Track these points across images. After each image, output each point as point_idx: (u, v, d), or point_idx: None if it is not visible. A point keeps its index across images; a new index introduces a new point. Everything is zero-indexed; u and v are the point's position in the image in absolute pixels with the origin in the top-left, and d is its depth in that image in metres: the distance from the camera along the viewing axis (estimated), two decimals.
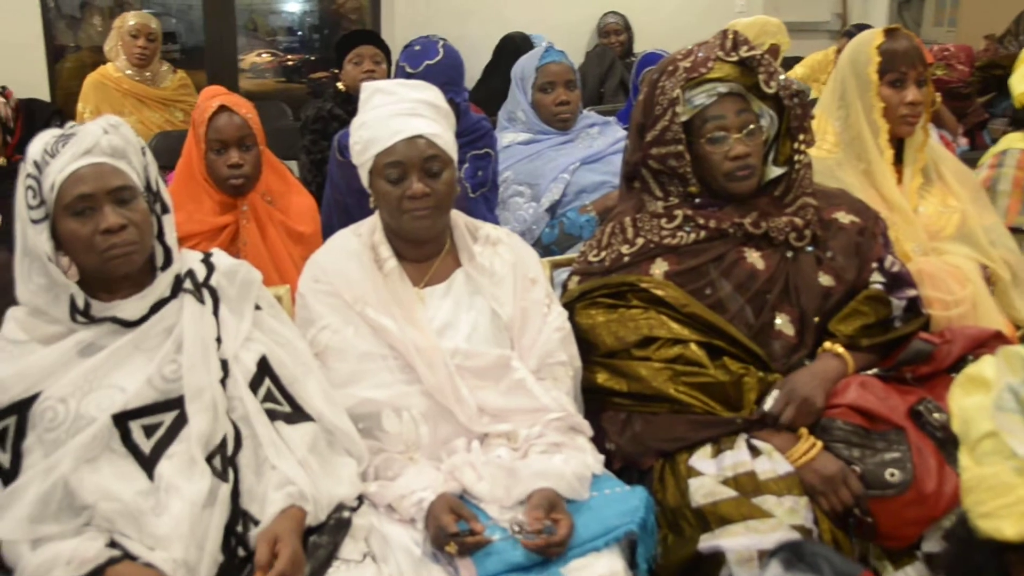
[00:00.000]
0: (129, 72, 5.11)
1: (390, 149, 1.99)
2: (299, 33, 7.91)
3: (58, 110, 5.59)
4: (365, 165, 2.05)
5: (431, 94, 2.08)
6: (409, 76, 2.90)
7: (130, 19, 5.12)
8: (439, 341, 2.03)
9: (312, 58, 7.31)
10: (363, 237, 2.11)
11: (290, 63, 7.30)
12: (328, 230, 2.58)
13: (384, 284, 2.05)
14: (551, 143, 3.37)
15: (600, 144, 3.41)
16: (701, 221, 2.21)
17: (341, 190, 2.96)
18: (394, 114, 2.02)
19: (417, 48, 2.94)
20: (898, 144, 2.62)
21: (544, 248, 3.22)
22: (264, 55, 6.68)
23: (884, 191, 2.57)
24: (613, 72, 6.23)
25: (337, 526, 1.77)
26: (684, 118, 2.21)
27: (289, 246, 2.71)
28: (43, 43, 5.67)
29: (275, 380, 1.86)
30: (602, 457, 2.06)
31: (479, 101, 5.55)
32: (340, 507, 1.81)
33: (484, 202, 3.09)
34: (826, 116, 2.68)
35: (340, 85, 3.97)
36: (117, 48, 5.15)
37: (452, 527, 1.80)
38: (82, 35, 6.37)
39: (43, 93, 5.70)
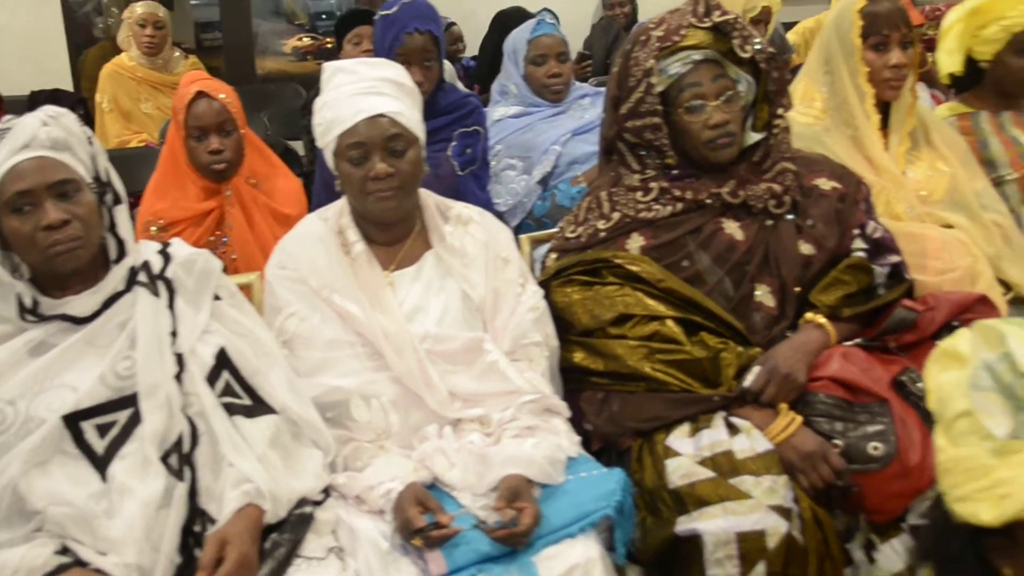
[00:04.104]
0: (142, 61, 5.00)
1: (352, 129, 1.84)
2: (337, 15, 7.87)
3: (81, 99, 5.50)
4: (329, 147, 1.90)
5: (394, 72, 1.92)
6: (385, 18, 2.76)
7: (138, 9, 5.01)
8: (409, 326, 1.88)
9: None
10: (330, 221, 1.96)
11: (328, 46, 7.17)
12: None
13: (351, 269, 1.90)
14: (542, 115, 3.20)
15: (592, 115, 3.22)
16: (677, 193, 2.04)
17: (328, 171, 2.81)
18: (355, 93, 1.86)
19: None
20: (885, 108, 2.43)
21: (537, 220, 3.06)
22: (305, 39, 6.55)
23: (872, 156, 2.39)
24: (618, 43, 5.98)
25: (298, 523, 1.63)
26: (659, 89, 2.04)
27: (275, 229, 2.56)
28: (64, 34, 5.56)
29: (235, 372, 1.71)
30: (578, 439, 1.90)
31: (476, 76, 5.39)
32: (302, 502, 1.66)
33: (474, 180, 2.92)
34: (812, 82, 2.49)
35: None
36: (129, 38, 5.04)
37: (417, 521, 1.65)
38: (103, 26, 6.26)
39: (66, 83, 5.61)
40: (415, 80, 2.72)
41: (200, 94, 2.48)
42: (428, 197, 2.00)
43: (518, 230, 2.97)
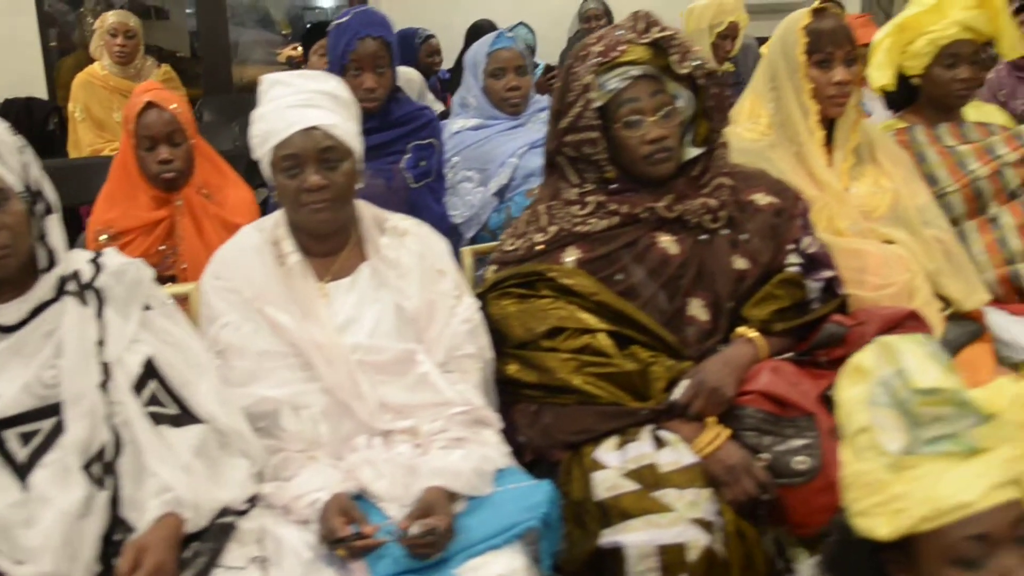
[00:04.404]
0: (113, 70, 5.02)
1: (286, 141, 1.85)
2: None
3: (56, 107, 5.52)
4: (265, 158, 1.91)
5: (330, 84, 1.93)
6: (338, 27, 2.80)
7: (109, 18, 5.05)
8: (341, 336, 1.89)
9: None
10: (266, 232, 1.96)
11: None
12: None
13: (284, 280, 1.91)
14: (500, 128, 3.20)
15: None
16: (613, 207, 2.06)
17: None
18: (290, 105, 1.87)
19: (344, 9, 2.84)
20: (831, 125, 2.45)
21: (492, 233, 3.06)
22: (300, 48, 6.55)
23: (815, 172, 2.40)
24: None
25: (219, 532, 1.63)
26: (598, 103, 2.05)
27: (226, 238, 2.47)
28: (39, 43, 5.58)
29: (162, 382, 1.71)
30: (508, 450, 1.91)
31: (451, 88, 5.41)
32: (225, 512, 1.67)
33: (429, 192, 2.93)
34: (759, 99, 2.51)
35: None
36: (101, 47, 5.06)
37: (340, 531, 1.66)
38: (79, 36, 6.28)
39: (41, 91, 5.62)
40: (368, 86, 2.76)
41: (150, 104, 2.49)
42: (365, 209, 2.01)
43: (473, 242, 2.99)
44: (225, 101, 5.61)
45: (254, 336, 1.87)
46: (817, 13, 2.40)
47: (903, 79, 2.70)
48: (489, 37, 3.33)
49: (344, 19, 2.77)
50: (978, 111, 2.77)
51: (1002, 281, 2.48)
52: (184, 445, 1.67)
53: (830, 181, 2.39)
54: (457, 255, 2.38)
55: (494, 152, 3.12)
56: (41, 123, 5.40)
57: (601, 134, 2.05)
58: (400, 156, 2.85)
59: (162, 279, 2.54)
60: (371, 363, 1.88)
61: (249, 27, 8.67)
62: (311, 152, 1.84)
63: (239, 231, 2.01)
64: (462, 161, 3.14)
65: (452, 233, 3.04)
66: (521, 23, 5.48)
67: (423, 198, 2.88)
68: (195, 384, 1.75)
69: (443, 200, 3.02)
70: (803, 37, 2.38)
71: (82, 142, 4.90)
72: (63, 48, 6.58)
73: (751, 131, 2.48)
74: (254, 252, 1.93)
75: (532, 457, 1.98)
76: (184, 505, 1.60)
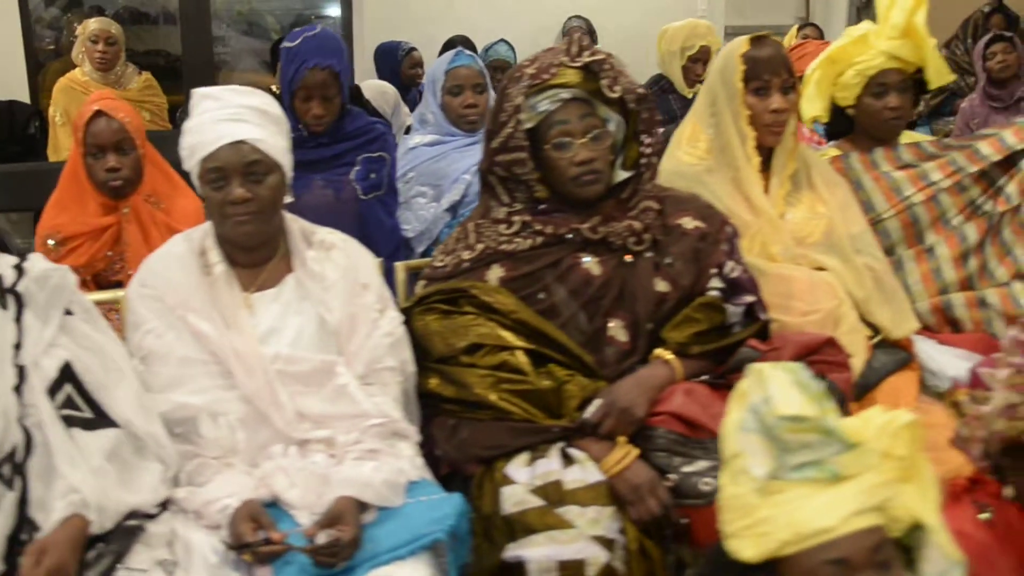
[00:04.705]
0: (94, 76, 5.07)
1: (212, 154, 1.88)
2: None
3: (37, 111, 5.56)
4: (194, 171, 1.94)
5: (259, 100, 1.97)
6: (288, 51, 2.82)
7: (91, 25, 5.11)
8: (263, 346, 1.92)
9: None
10: (194, 242, 2.00)
11: None
12: None
13: (209, 289, 1.94)
14: (456, 144, 3.25)
15: None
16: (538, 227, 2.09)
17: None
18: (218, 119, 1.90)
19: (297, 30, 2.86)
20: (770, 150, 2.49)
21: None
22: None
23: (751, 197, 2.43)
24: None
25: (125, 534, 1.66)
26: (529, 125, 2.09)
27: None
28: (22, 48, 5.63)
29: (78, 386, 1.74)
30: (421, 463, 1.94)
31: None
32: (133, 514, 1.70)
33: (380, 205, 2.97)
34: (699, 123, 2.54)
35: (274, 87, 3.86)
36: (82, 54, 5.10)
37: (247, 536, 1.69)
38: (64, 41, 6.32)
39: (23, 95, 5.67)
40: (315, 113, 2.81)
41: (99, 113, 2.53)
42: (293, 222, 2.05)
43: (425, 256, 3.02)
44: None
45: (176, 343, 1.90)
46: (755, 41, 2.44)
47: (839, 109, 2.75)
48: (449, 54, 3.38)
49: (294, 44, 2.80)
50: (911, 139, 2.81)
51: (935, 311, 2.51)
52: (96, 448, 1.70)
53: (765, 207, 2.42)
54: None
55: (448, 168, 3.17)
56: (22, 126, 5.46)
57: (530, 155, 2.09)
58: (350, 168, 2.90)
59: (109, 284, 2.60)
60: (291, 373, 1.91)
61: (239, 33, 8.70)
62: (236, 166, 1.88)
63: (168, 240, 2.04)
64: (417, 176, 3.19)
65: (404, 246, 3.09)
66: (502, 40, 5.53)
67: (372, 210, 2.93)
68: (112, 389, 1.78)
69: (395, 213, 3.06)
70: (741, 64, 2.42)
71: (62, 146, 4.95)
72: (51, 53, 6.62)
73: (690, 155, 2.51)
74: (179, 261, 1.96)
75: (448, 470, 2.01)
76: (89, 507, 1.63)
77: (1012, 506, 1.62)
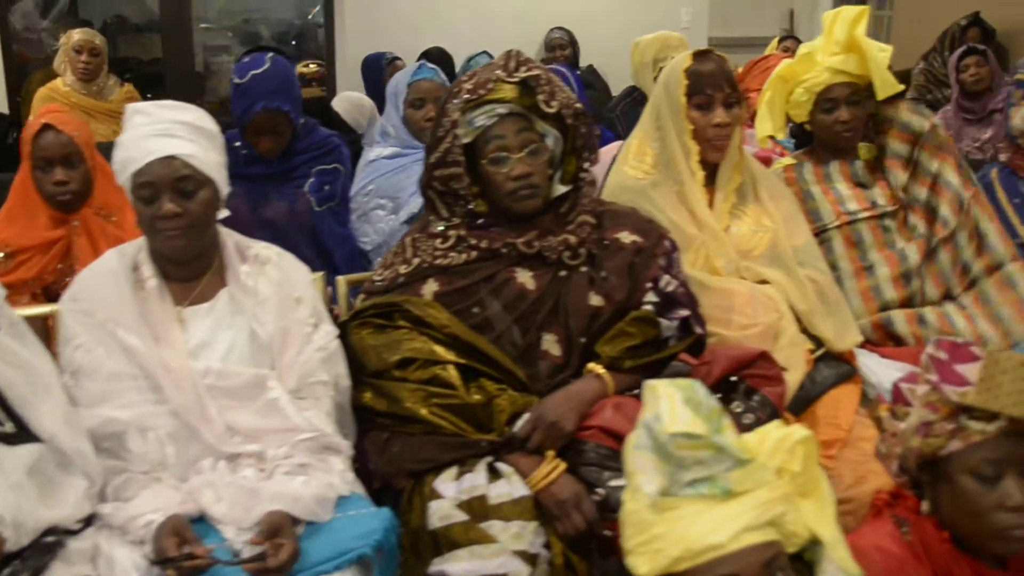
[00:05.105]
0: (76, 86, 5.08)
1: (143, 170, 1.89)
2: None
3: (15, 121, 5.58)
4: (125, 186, 1.95)
5: (192, 115, 1.98)
6: (238, 87, 2.82)
7: (75, 35, 5.11)
8: (193, 361, 1.92)
9: None
10: (127, 256, 2.00)
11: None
12: None
13: (140, 303, 1.94)
14: (416, 158, 3.23)
15: None
16: (473, 241, 2.10)
17: None
18: (150, 135, 1.91)
19: (246, 60, 2.85)
20: (715, 164, 2.49)
21: None
22: (312, 65, 6.66)
23: (695, 211, 2.44)
24: None
25: (42, 550, 1.66)
26: (466, 140, 2.10)
27: None
28: (1, 58, 5.65)
29: (1, 400, 1.75)
30: (352, 478, 1.94)
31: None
32: (52, 531, 1.70)
33: (333, 216, 2.99)
34: (646, 138, 2.55)
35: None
36: (64, 64, 5.12)
37: (170, 551, 1.69)
38: (48, 53, 6.36)
39: (1, 105, 5.69)
40: (264, 147, 2.83)
41: (47, 126, 2.54)
42: (228, 236, 2.06)
43: None
44: None
45: (105, 358, 1.90)
46: (698, 56, 2.45)
47: (800, 126, 2.78)
48: (412, 67, 3.39)
49: (243, 81, 2.81)
50: (869, 151, 2.81)
51: (875, 327, 2.51)
52: (15, 463, 1.70)
53: (709, 221, 2.43)
54: None
55: (407, 182, 3.17)
56: (1, 137, 5.48)
57: (468, 170, 2.09)
58: (304, 181, 2.91)
59: (59, 297, 2.59)
60: (221, 387, 1.92)
61: (236, 43, 8.75)
62: (167, 181, 1.89)
63: (103, 255, 2.05)
64: (376, 189, 3.20)
65: (360, 258, 3.10)
66: (484, 52, 5.55)
67: (326, 221, 2.95)
68: (38, 404, 1.78)
69: (348, 223, 3.07)
70: (684, 79, 2.43)
71: None
72: (38, 63, 6.65)
73: (636, 169, 2.52)
74: (111, 275, 1.96)
75: (380, 484, 2.01)
76: (5, 523, 1.63)
77: (929, 521, 1.61)
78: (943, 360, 1.54)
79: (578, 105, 2.15)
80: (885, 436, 1.65)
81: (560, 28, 6.57)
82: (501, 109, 2.08)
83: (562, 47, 6.51)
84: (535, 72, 2.11)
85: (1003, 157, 2.72)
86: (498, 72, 2.11)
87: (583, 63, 6.55)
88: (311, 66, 6.48)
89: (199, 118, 1.98)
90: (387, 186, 3.20)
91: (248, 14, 9.45)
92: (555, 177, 2.18)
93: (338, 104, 4.71)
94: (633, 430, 1.88)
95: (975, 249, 2.59)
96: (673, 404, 1.30)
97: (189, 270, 2.00)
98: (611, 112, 4.84)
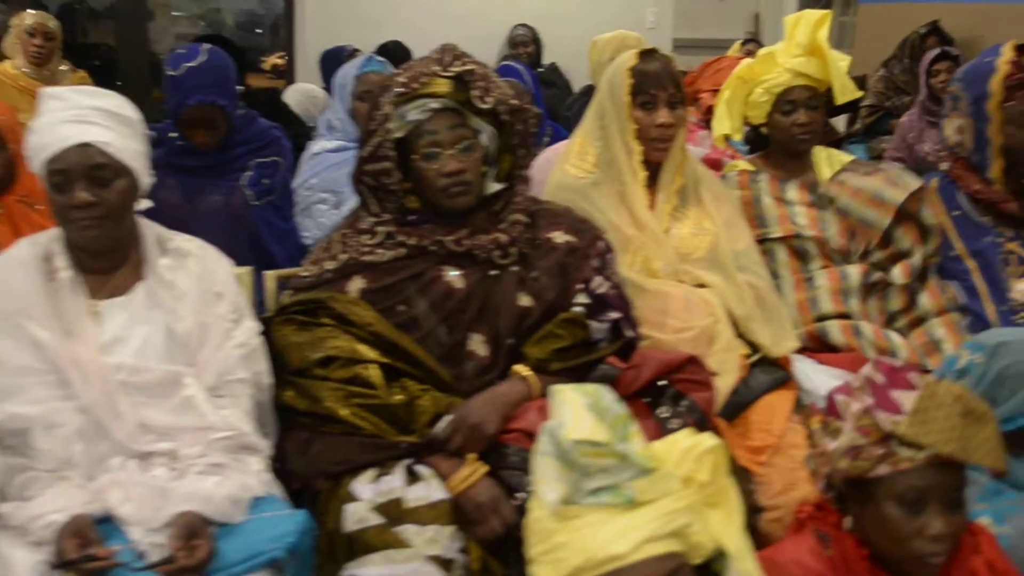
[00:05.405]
0: (26, 70, 4.96)
1: (56, 156, 1.82)
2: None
3: None
4: (39, 173, 1.89)
5: (109, 101, 1.91)
6: (171, 78, 2.75)
7: (28, 18, 4.97)
8: (105, 356, 1.86)
9: None
10: (39, 247, 1.94)
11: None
12: None
13: (51, 296, 1.88)
14: None
15: None
16: (401, 238, 2.05)
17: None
18: (63, 121, 1.84)
19: (181, 51, 2.78)
20: (657, 165, 2.46)
21: None
22: (285, 57, 6.60)
23: (635, 212, 2.41)
24: None
25: None
26: (399, 134, 2.05)
27: None
28: None
29: None
30: (269, 478, 1.89)
31: None
32: None
33: (273, 210, 2.92)
34: (588, 137, 2.51)
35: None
36: (15, 46, 4.99)
37: (70, 553, 1.63)
38: None
39: None
40: (199, 141, 2.76)
41: None
42: (148, 228, 1.99)
43: None
44: (141, 107, 5.57)
45: (12, 352, 1.83)
46: (643, 55, 2.42)
47: (756, 126, 2.75)
48: (359, 60, 3.34)
49: (177, 73, 2.73)
50: (828, 156, 2.78)
51: (811, 337, 2.49)
52: None
53: (649, 222, 2.40)
54: None
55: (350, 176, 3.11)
56: None
57: (397, 165, 2.05)
58: (241, 174, 2.84)
59: None
60: (134, 383, 1.86)
61: (200, 31, 8.64)
62: (81, 168, 1.82)
63: (14, 244, 1.98)
64: (319, 183, 3.14)
65: (302, 252, 3.04)
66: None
67: (265, 215, 2.88)
68: None
69: (291, 218, 3.01)
70: (628, 78, 2.40)
71: None
72: None
73: (577, 168, 2.48)
74: (22, 266, 1.90)
75: (299, 485, 1.96)
76: None
77: (850, 537, 1.59)
78: (880, 384, 1.51)
79: (514, 101, 2.11)
80: (813, 454, 1.62)
81: (524, 25, 6.56)
82: (434, 104, 2.04)
83: (525, 44, 6.49)
84: (470, 67, 2.06)
85: (944, 166, 2.70)
86: (433, 66, 2.07)
87: (546, 61, 6.53)
88: (286, 58, 6.45)
89: (118, 104, 1.92)
90: (330, 180, 3.14)
91: (219, 2, 9.36)
92: (489, 174, 2.14)
93: (291, 96, 4.64)
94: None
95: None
96: (576, 410, 1.26)
97: (105, 262, 1.93)
98: (568, 111, 4.80)
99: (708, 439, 1.32)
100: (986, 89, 2.56)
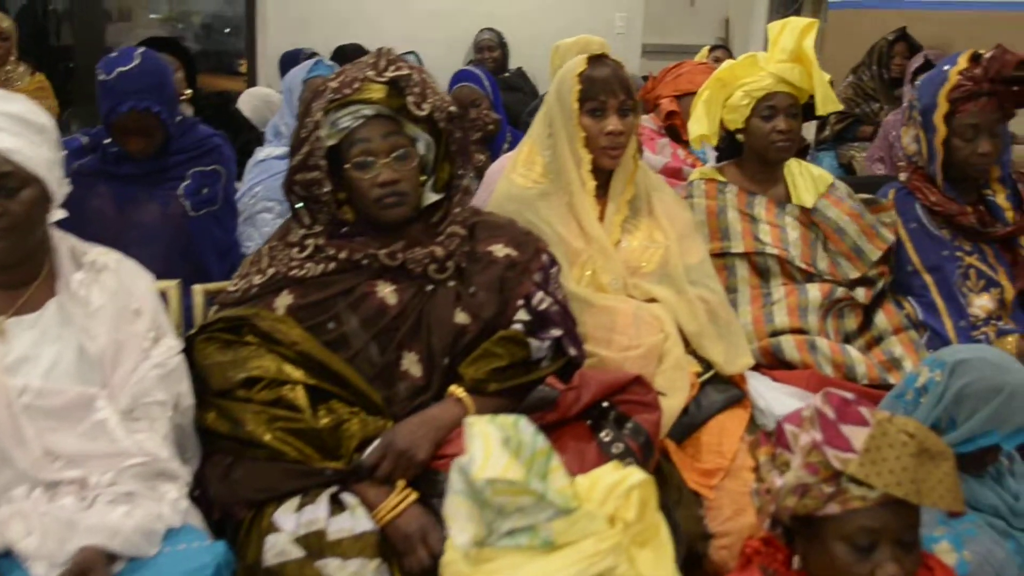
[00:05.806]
0: None
1: None
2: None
3: None
4: None
5: (18, 106, 1.79)
6: (103, 83, 2.63)
7: None
8: (10, 378, 1.74)
9: None
10: None
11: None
12: None
13: None
14: None
15: None
16: (332, 252, 1.95)
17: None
18: None
19: (114, 55, 2.65)
20: (608, 174, 2.37)
21: None
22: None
23: (584, 224, 2.31)
24: None
25: None
26: (330, 142, 1.95)
27: None
28: None
29: None
30: (185, 507, 1.77)
31: None
32: None
33: (214, 221, 2.79)
34: (536, 145, 2.41)
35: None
36: None
37: None
38: None
39: None
40: (133, 148, 2.65)
41: None
42: (62, 240, 1.88)
43: None
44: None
45: None
46: (593, 61, 2.32)
47: (730, 133, 2.66)
48: (307, 64, 3.24)
49: (109, 78, 2.61)
50: (801, 169, 2.70)
51: (765, 353, 2.41)
52: None
53: (598, 234, 2.30)
54: None
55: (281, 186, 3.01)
56: None
57: (328, 175, 1.95)
58: (179, 183, 2.72)
59: None
60: (41, 407, 1.74)
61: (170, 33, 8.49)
62: None
63: None
64: (263, 191, 3.04)
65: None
66: (411, 51, 5.39)
67: (204, 227, 2.76)
68: None
69: (233, 229, 2.89)
70: (577, 84, 2.30)
71: None
72: None
73: (524, 178, 2.38)
74: None
75: (219, 514, 1.85)
76: None
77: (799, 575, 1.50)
78: (830, 419, 1.42)
79: (452, 108, 2.01)
80: (759, 490, 1.53)
81: (490, 29, 6.46)
82: (367, 110, 1.94)
83: (491, 49, 6.40)
84: (405, 72, 1.97)
85: (903, 177, 2.63)
86: (367, 71, 1.97)
87: (513, 65, 6.44)
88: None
89: (27, 110, 1.80)
90: (275, 187, 3.01)
91: (188, 4, 9.22)
92: (427, 184, 2.04)
93: (246, 100, 4.52)
94: None
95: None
96: (488, 445, 1.16)
97: (13, 276, 1.82)
98: (529, 116, 4.71)
99: (635, 473, 1.22)
100: (935, 100, 2.49)
